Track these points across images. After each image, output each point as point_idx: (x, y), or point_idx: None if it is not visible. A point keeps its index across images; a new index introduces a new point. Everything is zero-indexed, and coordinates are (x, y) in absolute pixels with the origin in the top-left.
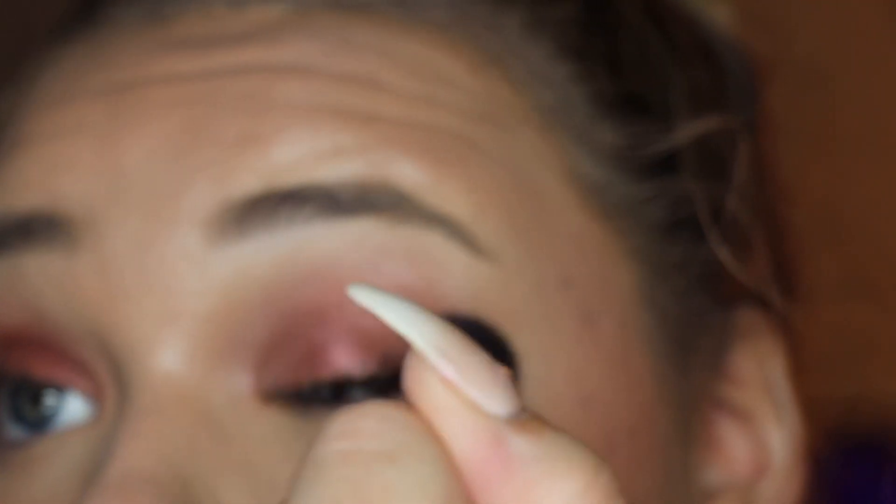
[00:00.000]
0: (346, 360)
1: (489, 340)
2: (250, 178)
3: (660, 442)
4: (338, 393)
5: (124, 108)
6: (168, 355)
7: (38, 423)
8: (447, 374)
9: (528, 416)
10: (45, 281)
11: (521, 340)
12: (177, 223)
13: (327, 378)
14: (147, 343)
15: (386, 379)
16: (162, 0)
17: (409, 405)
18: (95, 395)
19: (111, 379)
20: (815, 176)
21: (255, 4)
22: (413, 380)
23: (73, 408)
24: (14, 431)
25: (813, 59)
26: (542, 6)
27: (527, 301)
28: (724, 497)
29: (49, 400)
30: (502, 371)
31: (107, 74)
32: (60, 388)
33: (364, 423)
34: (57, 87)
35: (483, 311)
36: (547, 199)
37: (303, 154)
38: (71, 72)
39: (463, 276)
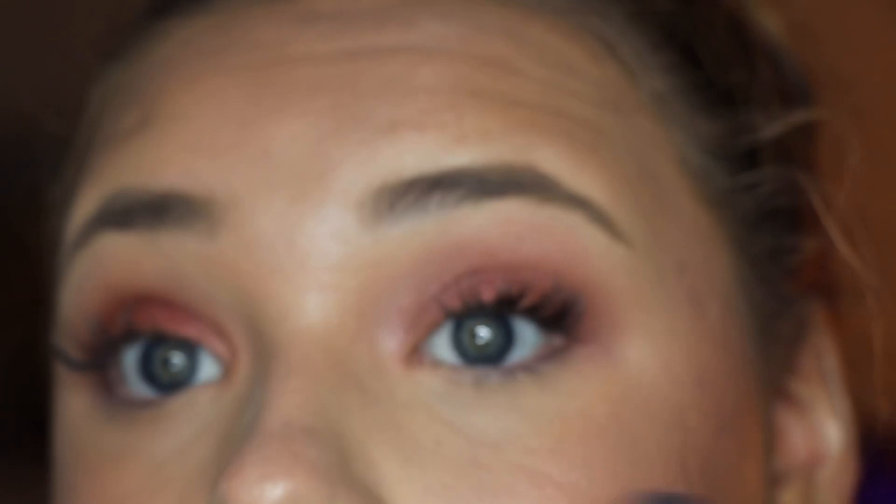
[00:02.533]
0: (495, 294)
1: None
2: (402, 162)
3: (754, 425)
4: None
5: (266, 89)
6: (317, 318)
7: (169, 384)
8: None
9: None
10: (182, 256)
11: (649, 322)
12: (327, 204)
13: (488, 302)
14: (296, 308)
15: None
16: None
17: None
18: (228, 358)
19: (249, 342)
20: (844, 182)
21: None
22: None
23: (204, 370)
24: (143, 390)
25: (838, 66)
26: (632, 3)
27: (652, 285)
28: (787, 484)
29: (179, 360)
30: None
31: (244, 53)
32: (192, 348)
33: None
34: (187, 62)
35: (616, 289)
36: (664, 185)
37: (450, 138)
38: (201, 47)
39: (601, 256)
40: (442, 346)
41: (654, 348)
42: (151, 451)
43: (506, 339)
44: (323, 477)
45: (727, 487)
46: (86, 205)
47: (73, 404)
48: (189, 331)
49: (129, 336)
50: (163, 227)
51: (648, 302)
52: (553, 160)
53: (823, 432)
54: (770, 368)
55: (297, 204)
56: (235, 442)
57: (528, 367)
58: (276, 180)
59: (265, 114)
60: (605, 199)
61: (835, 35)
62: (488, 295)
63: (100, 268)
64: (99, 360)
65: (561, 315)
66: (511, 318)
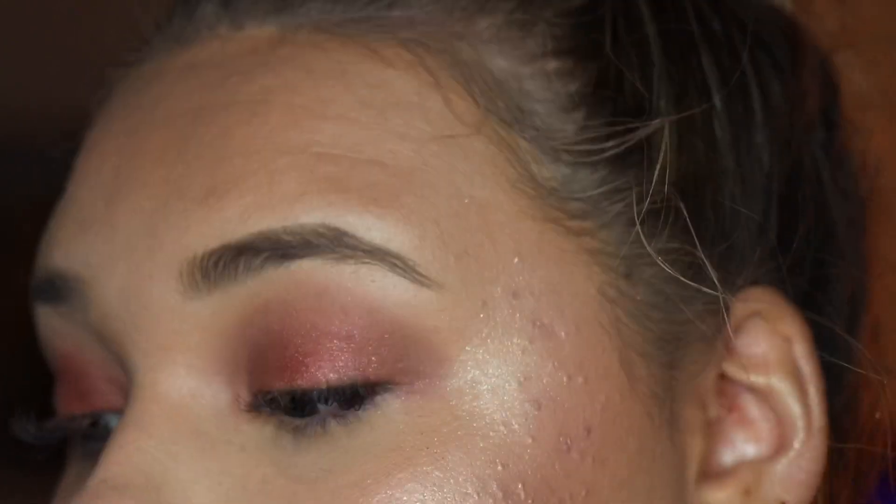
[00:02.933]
0: (316, 372)
1: None
2: (209, 235)
3: (625, 436)
4: (302, 404)
5: (126, 160)
6: (159, 376)
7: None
8: None
9: None
10: (76, 327)
11: (474, 352)
12: (154, 277)
13: (302, 387)
14: (143, 368)
15: (351, 388)
16: (184, 25)
17: None
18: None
19: (112, 402)
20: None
21: (251, 25)
22: None
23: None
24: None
25: (880, 24)
26: (524, 5)
27: (474, 319)
28: (731, 477)
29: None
30: None
31: (123, 118)
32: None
33: None
34: (96, 126)
35: (428, 329)
36: (493, 214)
37: (252, 204)
38: (114, 106)
39: (406, 303)
40: (273, 401)
41: (480, 376)
42: (66, 486)
43: (329, 392)
44: None
45: (584, 500)
46: (34, 272)
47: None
48: (109, 400)
49: (72, 419)
50: (60, 303)
51: (469, 334)
52: (351, 216)
53: (790, 419)
54: (685, 369)
55: (133, 277)
56: None
57: (337, 415)
58: (117, 255)
59: (121, 186)
60: (408, 246)
61: None
62: (303, 381)
63: (42, 334)
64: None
65: (373, 374)
66: (324, 386)
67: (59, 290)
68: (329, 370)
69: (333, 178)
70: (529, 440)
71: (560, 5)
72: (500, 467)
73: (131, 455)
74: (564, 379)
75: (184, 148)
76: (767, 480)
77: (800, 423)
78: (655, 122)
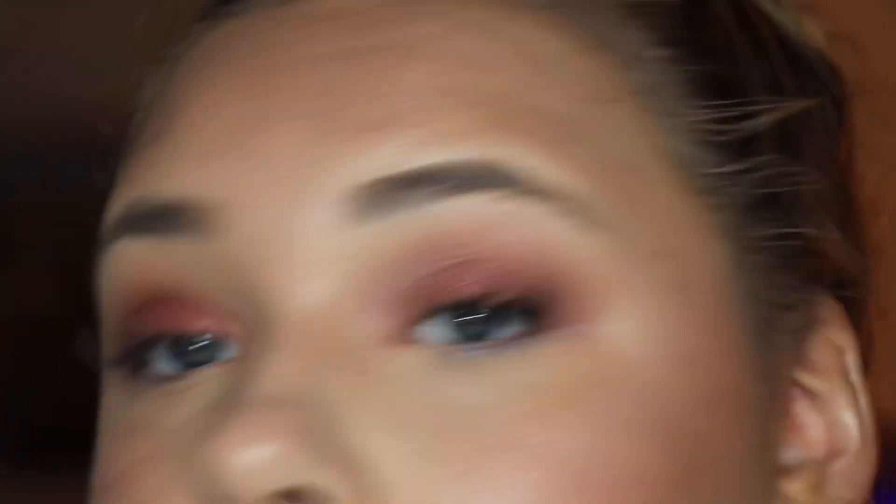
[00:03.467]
0: (479, 304)
1: None
2: (372, 165)
3: (744, 410)
4: (462, 336)
5: (265, 95)
6: (309, 299)
7: (195, 363)
8: None
9: None
10: (192, 259)
11: (631, 304)
12: (314, 202)
13: (462, 319)
14: (290, 291)
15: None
16: None
17: None
18: (243, 339)
19: (247, 333)
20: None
21: None
22: None
23: (227, 352)
24: (169, 367)
25: (890, 76)
26: None
27: (633, 269)
28: (799, 473)
29: (204, 343)
30: None
31: (252, 58)
32: (212, 338)
33: None
34: (201, 71)
35: (592, 275)
36: (644, 176)
37: (421, 138)
38: (217, 54)
39: (573, 246)
40: (423, 329)
41: (633, 328)
42: (168, 420)
43: (483, 324)
44: (303, 441)
45: (709, 467)
46: (115, 208)
47: (110, 388)
48: (206, 323)
49: (154, 336)
50: (174, 233)
51: (625, 285)
52: (524, 155)
53: (842, 426)
54: (777, 357)
55: (290, 202)
56: (222, 414)
57: (509, 344)
58: (270, 181)
59: (262, 119)
60: (577, 190)
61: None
62: (469, 291)
63: (122, 270)
64: (130, 356)
65: (535, 306)
66: (487, 309)
67: (173, 218)
68: (492, 304)
69: (497, 119)
70: (679, 396)
71: (703, 14)
72: (654, 415)
73: (283, 375)
74: (702, 342)
75: (334, 85)
76: (830, 480)
77: (854, 433)
78: (779, 110)
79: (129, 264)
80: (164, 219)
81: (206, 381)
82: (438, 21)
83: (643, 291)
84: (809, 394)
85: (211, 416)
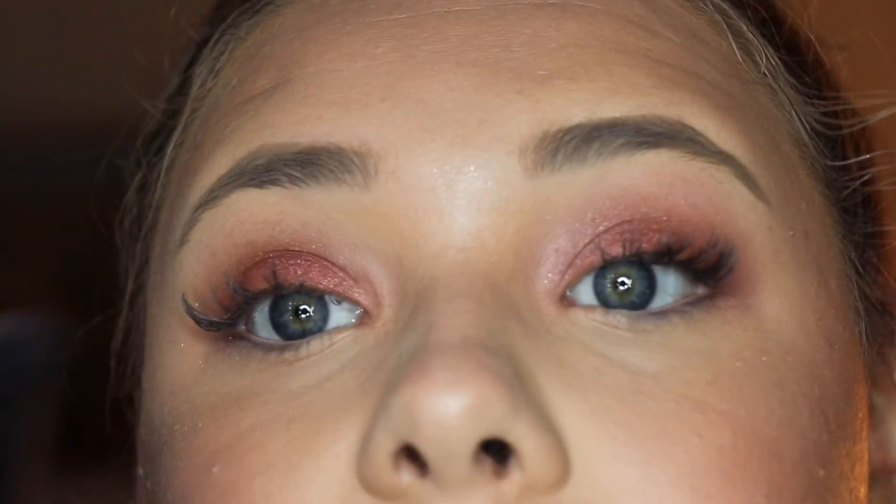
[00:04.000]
0: (656, 245)
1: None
2: (562, 112)
3: (861, 403)
4: (640, 297)
5: (417, 43)
6: (476, 254)
7: (298, 333)
8: None
9: None
10: (332, 208)
11: (782, 280)
12: (490, 149)
13: (648, 250)
14: (454, 244)
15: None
16: None
17: None
18: (368, 304)
19: (395, 286)
20: None
21: None
22: None
23: (334, 319)
24: (271, 337)
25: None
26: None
27: (786, 245)
28: (875, 482)
29: (311, 309)
30: None
31: (388, 12)
32: (323, 297)
33: None
34: (324, 23)
35: (757, 245)
36: (786, 156)
37: (604, 90)
38: (336, 9)
39: (745, 213)
40: (585, 291)
41: (788, 305)
42: (285, 387)
43: (649, 289)
44: (508, 387)
45: (855, 449)
46: (215, 167)
47: (184, 362)
48: (327, 283)
49: (267, 292)
50: (311, 182)
51: (782, 260)
52: (699, 117)
53: (893, 441)
54: (871, 357)
55: (459, 148)
56: (394, 365)
57: (679, 311)
58: (434, 128)
59: (418, 65)
60: (746, 158)
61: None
62: (649, 245)
63: (237, 224)
64: (235, 317)
65: (714, 268)
66: (657, 269)
67: (318, 165)
68: (681, 257)
69: (676, 79)
70: (829, 374)
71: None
72: (817, 391)
73: (481, 320)
74: (840, 328)
75: (504, 36)
76: (893, 492)
77: None
78: (882, 113)
79: (249, 218)
80: (298, 168)
81: (324, 348)
82: None
83: (790, 268)
84: (870, 408)
85: (364, 379)
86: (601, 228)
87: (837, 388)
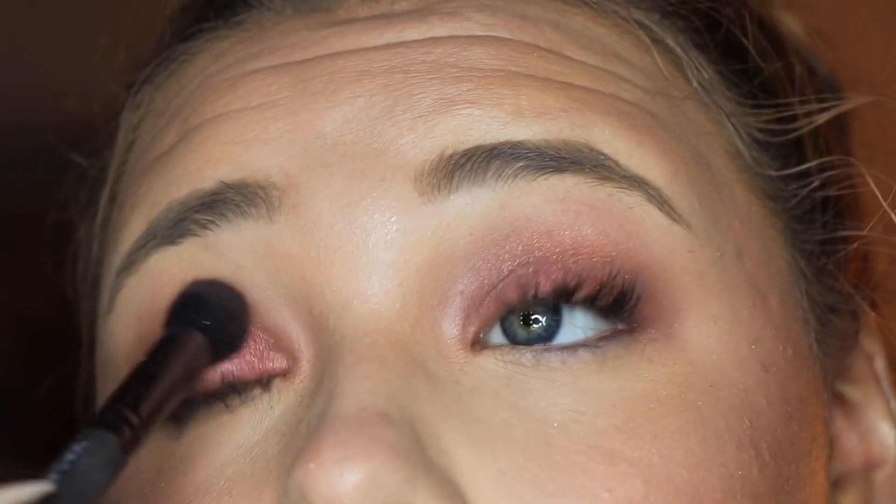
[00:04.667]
0: (567, 296)
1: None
2: (460, 134)
3: (817, 420)
4: (545, 333)
5: (313, 80)
6: (380, 304)
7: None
8: None
9: None
10: (240, 249)
11: (710, 304)
12: (387, 179)
13: (545, 294)
14: (359, 294)
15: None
16: None
17: None
18: (288, 365)
19: (309, 338)
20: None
21: None
22: None
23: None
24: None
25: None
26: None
27: (712, 267)
28: (846, 486)
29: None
30: None
31: (284, 53)
32: (256, 380)
33: None
34: (223, 72)
35: (675, 271)
36: (717, 173)
37: (508, 112)
38: (236, 56)
39: (659, 238)
40: (495, 332)
41: (717, 331)
42: (226, 444)
43: (556, 325)
44: (402, 459)
45: (798, 476)
46: (132, 230)
47: None
48: (249, 368)
49: None
50: (221, 221)
51: (709, 284)
52: (610, 139)
53: (878, 435)
54: (828, 365)
55: (356, 181)
56: (304, 433)
57: (589, 346)
58: (332, 161)
59: (314, 98)
60: (662, 180)
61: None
62: (546, 287)
63: (157, 288)
64: None
65: (618, 302)
66: (563, 307)
67: (224, 203)
68: (580, 295)
69: (588, 101)
70: (764, 401)
71: (736, 18)
72: (746, 423)
73: (381, 386)
74: (780, 347)
75: (402, 65)
76: (877, 491)
77: (892, 442)
78: (821, 112)
79: (168, 277)
80: (205, 211)
81: (261, 400)
82: (497, 15)
83: (718, 292)
84: (845, 403)
85: (285, 444)
86: (504, 270)
87: (774, 413)
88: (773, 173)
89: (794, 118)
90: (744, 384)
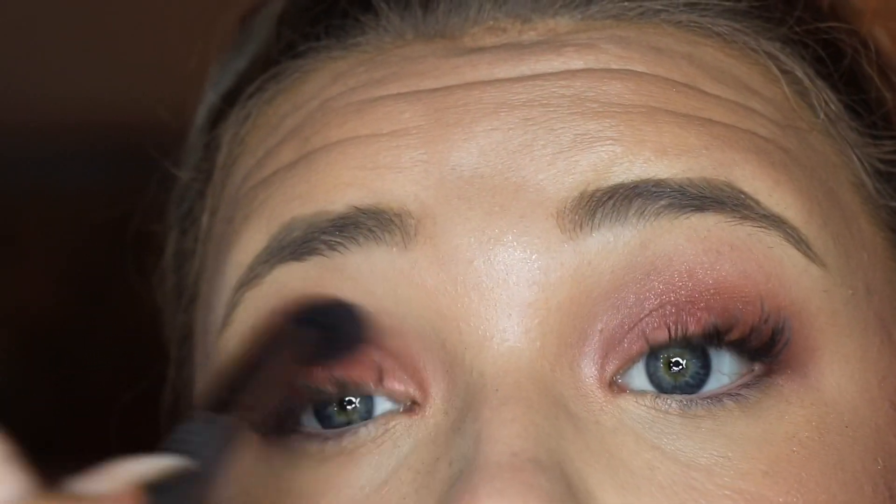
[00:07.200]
0: (703, 327)
1: None
2: (602, 171)
3: None
4: (694, 381)
5: (447, 111)
6: (520, 342)
7: (344, 425)
8: None
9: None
10: (370, 274)
11: (842, 344)
12: (527, 216)
13: (695, 334)
14: (498, 331)
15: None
16: (442, 15)
17: None
18: (414, 390)
19: (441, 372)
20: None
21: (540, 17)
22: None
23: (380, 405)
24: (312, 423)
25: None
26: (795, 26)
27: (845, 307)
28: None
29: (358, 403)
30: None
31: (412, 81)
32: (375, 390)
33: None
34: (346, 95)
35: (812, 312)
36: (845, 207)
37: (650, 150)
38: (357, 80)
39: (798, 278)
40: (637, 374)
41: (849, 370)
42: (347, 489)
43: (703, 370)
44: None
45: None
46: (250, 244)
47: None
48: (370, 374)
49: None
50: (351, 244)
51: (841, 323)
52: (750, 178)
53: None
54: None
55: (496, 217)
56: (446, 473)
57: (733, 394)
58: (470, 194)
59: (450, 130)
60: (800, 219)
61: None
62: (695, 328)
63: (280, 302)
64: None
65: (769, 345)
66: (710, 349)
67: (356, 227)
68: (731, 337)
69: (728, 139)
70: (894, 440)
71: (861, 48)
72: (880, 464)
73: (529, 429)
74: None
75: (540, 98)
76: None
77: None
78: None
79: (292, 293)
80: (336, 234)
81: (385, 435)
82: (631, 47)
83: (850, 331)
84: None
85: (419, 484)
86: (646, 308)
87: None
88: (894, 204)
89: None
90: (875, 424)
